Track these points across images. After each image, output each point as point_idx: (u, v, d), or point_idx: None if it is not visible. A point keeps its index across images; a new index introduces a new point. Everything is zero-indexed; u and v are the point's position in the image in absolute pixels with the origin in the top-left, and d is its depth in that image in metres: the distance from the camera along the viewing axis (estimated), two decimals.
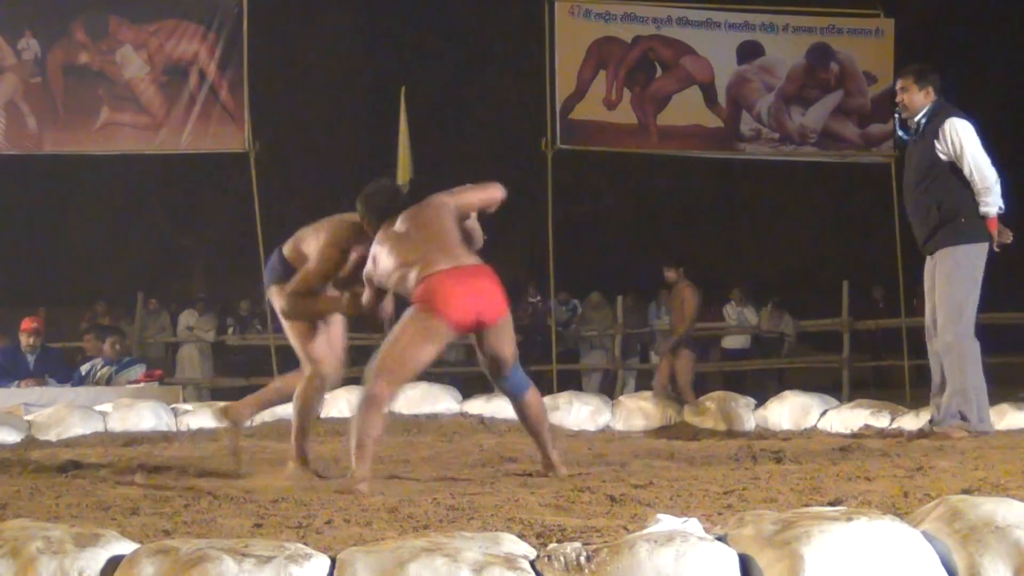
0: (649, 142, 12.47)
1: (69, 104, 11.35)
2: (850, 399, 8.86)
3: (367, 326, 6.03)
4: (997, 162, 6.82)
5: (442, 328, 5.08)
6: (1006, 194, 6.80)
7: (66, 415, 7.84)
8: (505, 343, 5.25)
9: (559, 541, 3.20)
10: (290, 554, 2.84)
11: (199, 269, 23.17)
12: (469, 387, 11.67)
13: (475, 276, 5.17)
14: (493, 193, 5.56)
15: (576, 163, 16.26)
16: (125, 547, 2.97)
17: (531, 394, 5.38)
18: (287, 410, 8.56)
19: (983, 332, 6.72)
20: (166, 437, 7.63)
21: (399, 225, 5.33)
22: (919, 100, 6.75)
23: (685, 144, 12.67)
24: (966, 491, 4.12)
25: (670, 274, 11.11)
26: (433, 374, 14.36)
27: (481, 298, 5.14)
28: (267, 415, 8.51)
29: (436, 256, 5.15)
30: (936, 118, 6.65)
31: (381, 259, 5.27)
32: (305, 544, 3.00)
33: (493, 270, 5.25)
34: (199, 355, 15.68)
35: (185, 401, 9.84)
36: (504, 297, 5.23)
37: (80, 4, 11.45)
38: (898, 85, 6.95)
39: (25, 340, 9.94)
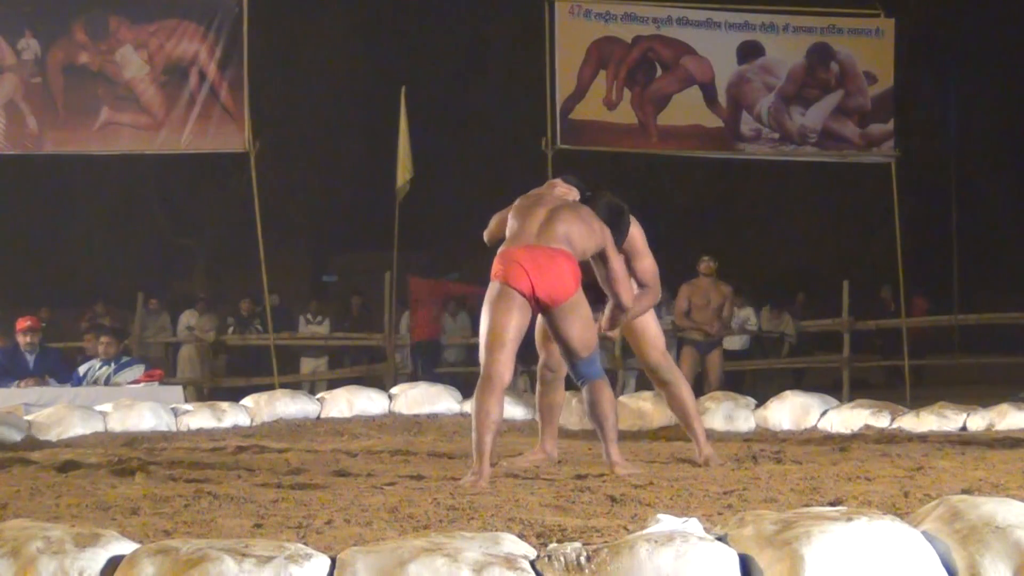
0: (649, 142, 12.47)
1: (69, 104, 11.34)
2: (850, 399, 8.86)
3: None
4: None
5: (505, 289, 5.24)
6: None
7: (66, 415, 7.83)
8: (568, 328, 5.32)
9: (559, 541, 3.20)
10: (290, 554, 2.84)
11: (199, 269, 23.16)
12: (469, 387, 11.66)
13: (537, 250, 5.29)
14: (623, 283, 5.59)
15: (576, 163, 16.23)
16: (125, 547, 2.97)
17: (593, 388, 5.40)
18: (287, 410, 8.61)
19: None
20: (166, 437, 7.62)
21: (546, 203, 5.50)
22: None
23: (685, 144, 12.67)
24: (966, 491, 4.13)
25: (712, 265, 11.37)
26: (433, 374, 14.42)
27: (533, 268, 5.23)
28: (266, 415, 8.52)
29: (522, 238, 5.34)
30: None
31: (510, 218, 5.50)
32: (305, 544, 3.00)
33: (569, 260, 5.30)
34: (199, 355, 15.67)
35: (185, 401, 9.82)
36: (568, 282, 5.27)
37: (80, 4, 11.44)
38: None
39: (22, 339, 9.92)
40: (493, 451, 5.25)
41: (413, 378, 11.06)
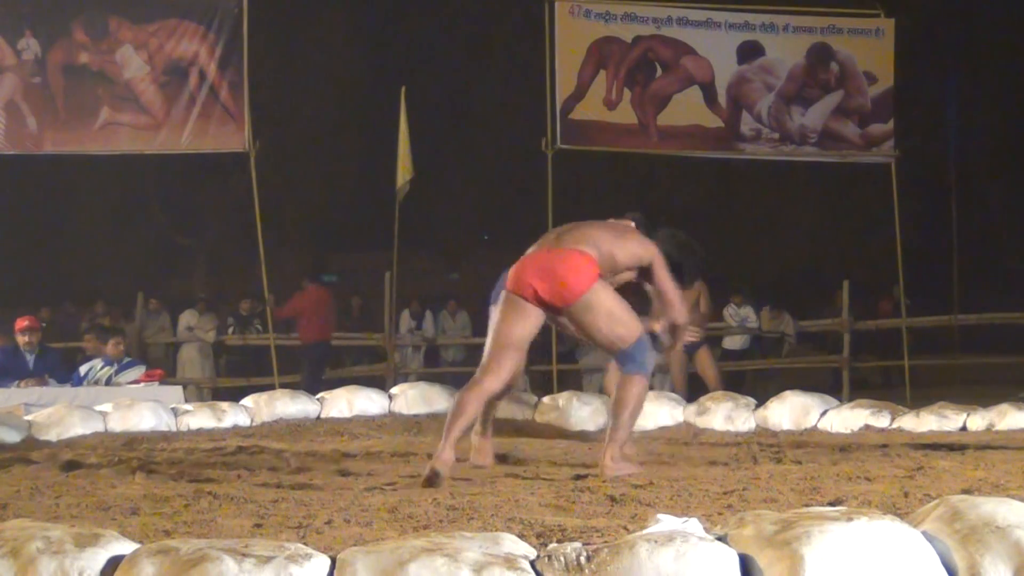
0: (649, 142, 12.47)
1: (69, 104, 11.34)
2: (850, 399, 8.86)
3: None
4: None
5: (510, 297, 5.33)
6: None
7: (66, 415, 7.82)
8: (589, 326, 5.34)
9: (559, 541, 3.20)
10: (290, 554, 2.84)
11: (199, 269, 23.17)
12: None
13: (549, 254, 5.35)
14: (675, 302, 5.56)
15: (576, 163, 16.26)
16: (125, 547, 2.97)
17: (625, 380, 5.35)
18: (287, 410, 8.60)
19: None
20: (166, 437, 7.62)
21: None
22: None
23: (685, 144, 12.67)
24: (966, 491, 4.12)
25: None
26: (433, 374, 14.42)
27: (536, 272, 5.29)
28: (266, 415, 8.51)
29: (537, 247, 5.47)
30: None
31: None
32: (305, 544, 3.00)
33: (581, 257, 5.30)
34: (199, 355, 15.67)
35: (185, 401, 9.81)
36: (577, 278, 5.26)
37: (80, 4, 11.44)
38: None
39: (21, 339, 9.92)
40: (459, 441, 5.29)
41: (303, 386, 11.22)
